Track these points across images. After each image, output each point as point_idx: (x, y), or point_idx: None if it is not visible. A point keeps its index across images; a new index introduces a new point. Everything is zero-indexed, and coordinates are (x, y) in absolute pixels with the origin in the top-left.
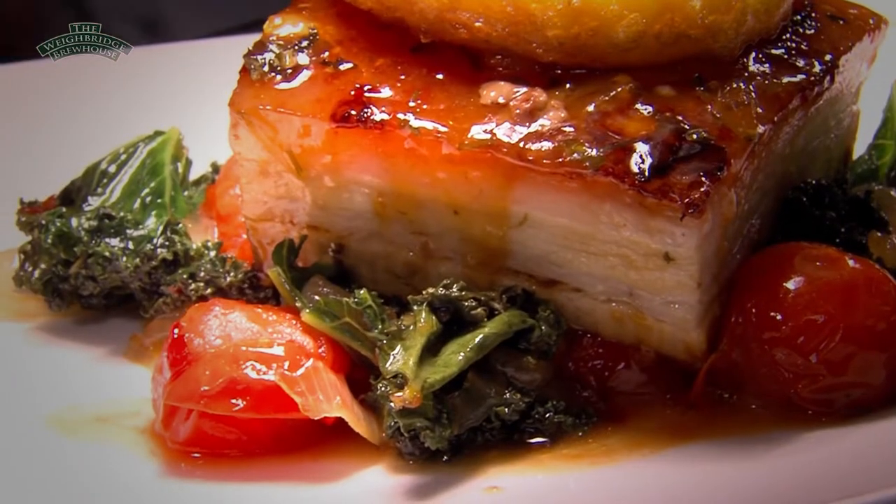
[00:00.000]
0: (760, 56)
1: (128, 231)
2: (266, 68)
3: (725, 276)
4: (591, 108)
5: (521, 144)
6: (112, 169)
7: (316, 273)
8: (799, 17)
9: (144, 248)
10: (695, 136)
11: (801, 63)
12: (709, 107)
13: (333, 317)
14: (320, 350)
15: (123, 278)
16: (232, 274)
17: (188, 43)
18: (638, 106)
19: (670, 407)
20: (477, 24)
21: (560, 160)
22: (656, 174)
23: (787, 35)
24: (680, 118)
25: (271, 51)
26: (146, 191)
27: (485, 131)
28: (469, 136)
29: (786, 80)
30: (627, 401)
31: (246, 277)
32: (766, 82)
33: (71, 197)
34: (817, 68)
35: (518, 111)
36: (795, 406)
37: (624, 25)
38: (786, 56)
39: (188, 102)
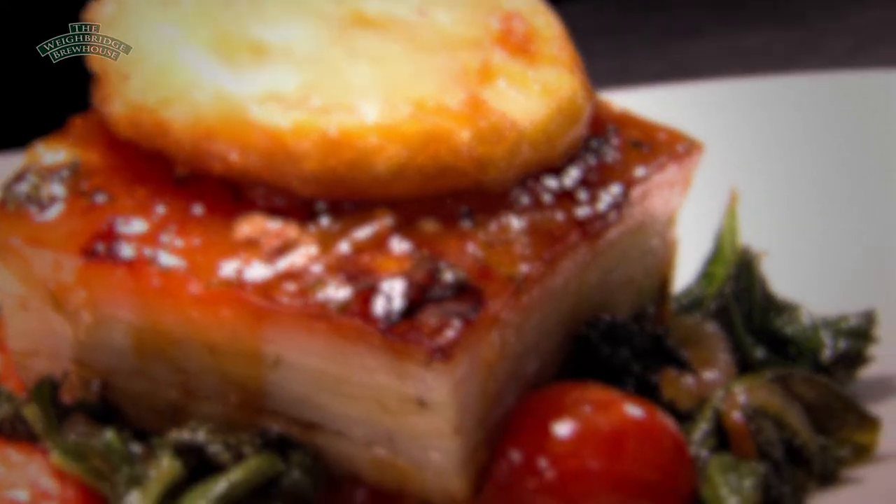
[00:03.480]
0: (539, 189)
1: None
2: (23, 199)
3: (495, 420)
4: (344, 245)
5: (268, 284)
6: None
7: (79, 411)
8: (596, 144)
9: None
10: (449, 277)
11: (583, 196)
12: (471, 244)
13: (83, 459)
14: (69, 494)
15: None
16: (4, 407)
17: None
18: (395, 243)
19: None
20: (232, 156)
21: (306, 301)
22: (404, 317)
23: (576, 164)
24: (438, 257)
25: (29, 181)
26: None
27: (234, 270)
28: (217, 274)
29: (562, 215)
30: None
31: (17, 411)
32: (541, 217)
33: None
34: (603, 201)
35: (268, 249)
36: None
37: (384, 158)
38: (569, 188)
39: None
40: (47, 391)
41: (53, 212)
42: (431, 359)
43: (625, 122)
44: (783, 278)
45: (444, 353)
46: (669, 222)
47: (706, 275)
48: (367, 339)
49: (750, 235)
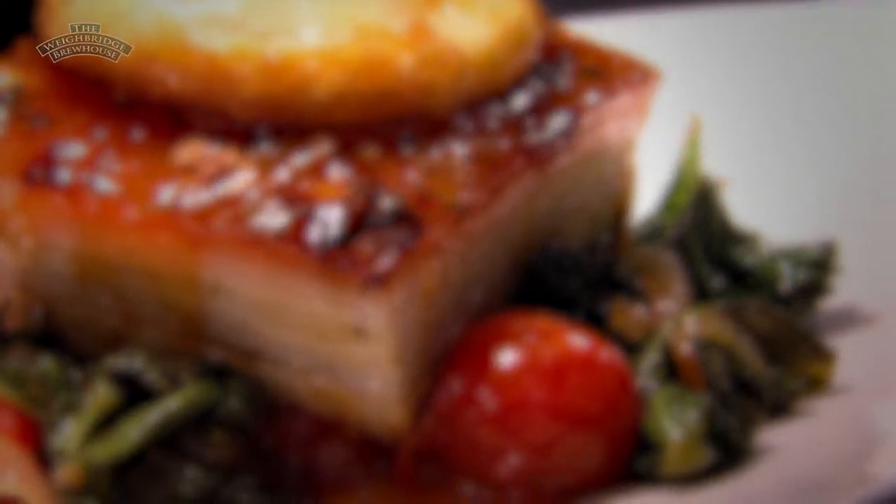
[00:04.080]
0: (485, 115)
1: None
2: None
3: (438, 349)
4: (283, 171)
5: (204, 210)
6: None
7: (20, 338)
8: (547, 70)
9: None
10: (387, 204)
11: (531, 123)
12: (412, 171)
13: (21, 386)
14: (6, 422)
15: None
16: None
17: None
18: (334, 169)
19: (375, 487)
20: (171, 80)
21: (242, 227)
22: (340, 244)
23: (525, 91)
24: (378, 184)
25: None
26: None
27: (171, 196)
28: (154, 200)
29: (508, 142)
30: (331, 479)
31: None
32: (485, 144)
33: None
34: (551, 128)
35: (205, 174)
36: (503, 489)
37: (324, 83)
38: (516, 115)
39: None
40: None
41: None
42: (367, 286)
43: (580, 49)
44: (744, 209)
45: (380, 281)
46: (626, 151)
47: (668, 205)
48: (303, 267)
49: (714, 165)
